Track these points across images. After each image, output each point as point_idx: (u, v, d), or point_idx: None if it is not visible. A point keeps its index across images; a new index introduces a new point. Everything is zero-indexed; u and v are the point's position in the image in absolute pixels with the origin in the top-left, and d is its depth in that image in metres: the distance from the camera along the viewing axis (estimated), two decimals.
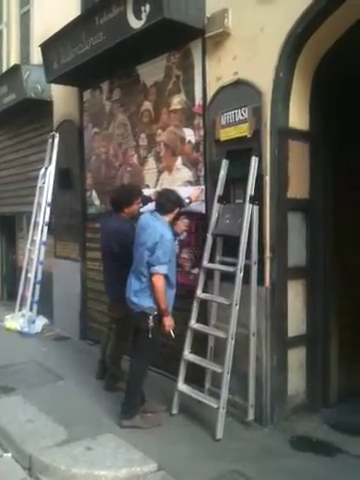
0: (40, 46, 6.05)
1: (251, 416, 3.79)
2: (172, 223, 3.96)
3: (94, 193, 6.04)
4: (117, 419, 3.82)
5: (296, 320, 3.96)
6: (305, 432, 3.70)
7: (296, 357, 3.98)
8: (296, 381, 3.98)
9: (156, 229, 3.67)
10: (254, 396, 3.78)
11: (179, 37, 4.44)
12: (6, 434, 3.75)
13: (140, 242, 3.73)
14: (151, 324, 3.63)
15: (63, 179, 6.56)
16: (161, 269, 3.61)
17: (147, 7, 4.25)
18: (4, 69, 8.07)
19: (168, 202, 3.83)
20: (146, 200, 4.58)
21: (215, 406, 3.66)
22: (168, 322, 3.69)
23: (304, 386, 4.04)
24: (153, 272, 3.61)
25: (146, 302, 3.67)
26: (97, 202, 6.00)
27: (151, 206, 4.40)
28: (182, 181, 4.61)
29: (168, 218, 3.82)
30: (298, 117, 3.87)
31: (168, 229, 3.75)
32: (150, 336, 3.64)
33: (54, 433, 3.68)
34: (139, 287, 3.72)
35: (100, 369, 4.73)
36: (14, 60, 7.93)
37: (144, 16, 4.30)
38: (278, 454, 3.39)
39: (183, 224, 4.32)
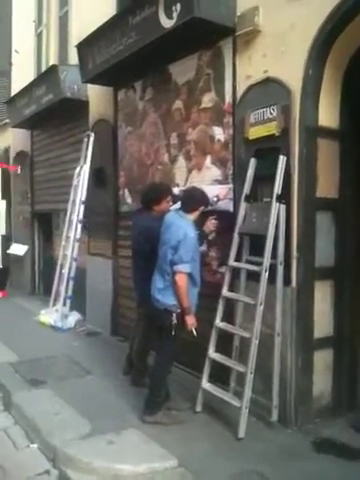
0: (76, 46, 6.16)
1: (275, 417, 3.76)
2: (198, 221, 3.96)
3: (126, 191, 6.11)
4: (141, 414, 3.86)
5: (323, 321, 3.90)
6: (329, 435, 3.64)
7: (322, 359, 3.92)
8: (322, 383, 3.91)
9: (180, 227, 3.69)
10: (278, 397, 3.76)
11: (210, 36, 4.45)
12: (33, 425, 3.86)
13: (164, 240, 3.76)
14: (174, 321, 3.65)
15: (97, 178, 6.67)
16: (184, 268, 3.63)
17: (178, 6, 4.27)
18: (43, 69, 8.26)
19: (192, 200, 3.85)
20: (177, 199, 4.60)
21: (238, 405, 3.65)
22: (190, 321, 3.70)
23: (330, 388, 3.97)
24: (176, 270, 3.63)
25: (169, 300, 3.69)
26: (129, 200, 6.07)
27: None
28: (211, 179, 4.62)
29: (193, 216, 3.83)
30: (328, 115, 3.81)
31: (192, 227, 3.76)
32: (173, 333, 3.67)
33: (79, 426, 3.76)
34: (163, 285, 3.75)
35: (127, 364, 4.78)
36: (53, 61, 8.12)
37: (175, 15, 4.33)
38: (300, 456, 3.36)
39: (212, 224, 4.29)
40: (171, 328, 3.66)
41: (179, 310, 3.67)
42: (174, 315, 3.66)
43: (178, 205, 4.11)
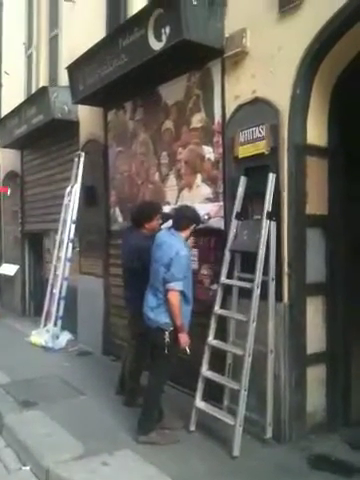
0: (67, 68, 6.24)
1: (269, 434, 3.75)
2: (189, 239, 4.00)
3: (117, 210, 6.14)
4: (134, 435, 3.83)
5: (315, 337, 3.92)
6: (324, 451, 3.63)
7: (315, 375, 3.93)
8: (315, 399, 3.92)
9: (172, 245, 3.71)
10: (272, 414, 3.75)
11: (199, 57, 4.53)
12: (25, 447, 3.80)
13: (156, 258, 3.78)
14: (167, 340, 3.65)
15: (88, 197, 6.70)
16: (177, 285, 3.64)
17: (167, 29, 4.35)
18: (34, 90, 8.33)
19: (184, 218, 3.88)
20: (166, 217, 4.64)
21: (232, 423, 3.63)
22: (184, 339, 3.70)
23: (324, 404, 3.98)
24: (169, 288, 3.64)
25: (162, 318, 3.69)
26: (120, 219, 6.10)
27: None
28: (202, 198, 4.66)
29: (184, 234, 3.86)
30: (316, 134, 3.89)
31: (184, 245, 3.79)
32: (166, 352, 3.66)
33: (72, 447, 3.71)
34: (156, 303, 3.75)
35: (119, 384, 4.75)
36: (43, 82, 8.19)
37: (164, 38, 4.41)
38: (295, 473, 3.34)
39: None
40: (164, 346, 3.66)
41: (172, 328, 3.67)
42: (167, 333, 3.66)
43: (170, 223, 4.15)
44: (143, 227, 4.42)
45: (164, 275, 3.66)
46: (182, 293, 3.70)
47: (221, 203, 4.42)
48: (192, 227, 3.91)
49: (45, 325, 7.15)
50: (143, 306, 3.86)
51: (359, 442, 3.75)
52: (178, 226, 3.85)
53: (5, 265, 9.80)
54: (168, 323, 3.67)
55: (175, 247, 3.69)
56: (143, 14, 4.68)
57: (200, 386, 4.01)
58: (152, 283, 3.81)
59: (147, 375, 4.07)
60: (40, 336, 6.89)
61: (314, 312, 3.92)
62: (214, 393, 4.11)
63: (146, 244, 4.18)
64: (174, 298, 3.64)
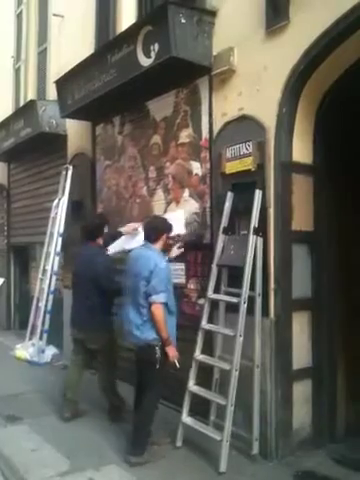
0: (55, 82, 6.26)
1: (256, 450, 3.75)
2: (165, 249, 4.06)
3: None
4: (121, 450, 3.80)
5: (301, 352, 3.94)
6: (310, 467, 3.64)
7: (302, 390, 3.95)
8: (302, 415, 3.93)
9: (149, 258, 3.74)
10: (259, 429, 3.75)
11: (187, 74, 4.59)
12: (10, 463, 3.77)
13: (134, 273, 3.76)
14: (158, 355, 3.64)
15: (75, 210, 6.69)
16: (159, 298, 3.65)
17: (156, 46, 4.40)
18: (21, 104, 8.34)
19: (155, 230, 3.91)
20: (112, 237, 4.84)
21: (218, 439, 3.63)
22: (172, 352, 3.69)
23: (310, 420, 3.99)
24: (151, 301, 3.64)
25: (149, 334, 3.68)
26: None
27: (120, 242, 4.80)
28: (189, 212, 4.69)
29: (158, 246, 3.88)
30: (302, 151, 3.95)
31: (161, 257, 3.82)
32: (158, 367, 3.65)
33: (57, 463, 3.69)
34: (140, 320, 3.72)
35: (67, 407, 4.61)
36: (31, 96, 8.20)
37: (153, 54, 4.46)
38: None
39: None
40: (155, 362, 3.65)
41: (160, 343, 3.66)
42: (157, 349, 3.65)
43: (120, 242, 4.48)
44: (97, 239, 4.57)
45: (145, 289, 3.66)
46: (165, 305, 3.70)
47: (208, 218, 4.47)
48: (164, 237, 3.93)
49: (30, 339, 7.08)
50: (126, 324, 3.82)
51: (345, 458, 3.77)
52: (151, 238, 3.88)
53: None
54: (156, 338, 3.67)
55: (153, 259, 3.71)
56: (132, 31, 4.73)
57: (187, 401, 4.00)
58: (134, 300, 3.77)
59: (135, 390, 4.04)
60: (25, 350, 6.82)
61: (300, 327, 3.95)
62: (201, 408, 4.09)
63: (103, 255, 4.41)
64: (158, 311, 3.64)
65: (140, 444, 3.74)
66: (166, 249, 4.15)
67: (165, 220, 4.07)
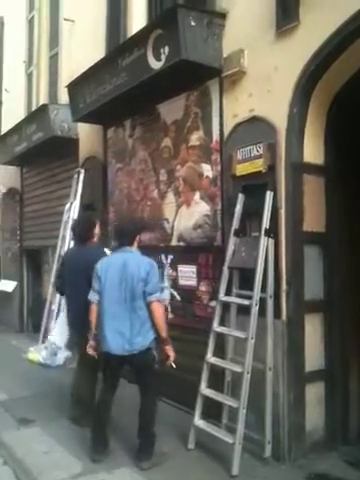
0: (67, 87, 6.31)
1: (268, 452, 3.73)
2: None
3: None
4: (133, 452, 3.79)
5: (314, 354, 3.92)
6: (323, 469, 3.61)
7: (314, 392, 3.92)
8: (314, 417, 3.90)
9: (141, 260, 3.79)
10: (271, 432, 3.73)
11: (197, 77, 4.60)
12: (23, 466, 3.78)
13: (127, 277, 3.69)
14: (155, 355, 3.69)
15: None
16: (158, 297, 3.72)
17: (166, 49, 4.42)
18: (34, 108, 8.41)
19: (127, 233, 3.92)
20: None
21: (231, 441, 3.62)
22: (171, 352, 3.70)
23: (323, 422, 3.96)
24: (151, 300, 3.66)
25: (149, 336, 3.70)
26: None
27: None
28: (200, 215, 4.69)
29: (135, 247, 3.90)
30: (313, 152, 3.93)
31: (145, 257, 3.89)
32: (156, 367, 3.70)
33: (70, 465, 3.70)
34: (140, 323, 3.67)
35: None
36: (43, 100, 8.26)
37: (163, 57, 4.47)
38: None
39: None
40: (153, 364, 3.70)
41: (156, 344, 3.71)
42: (154, 351, 3.69)
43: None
44: (90, 241, 4.57)
45: (144, 288, 3.66)
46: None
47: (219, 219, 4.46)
48: (138, 237, 3.94)
49: (43, 342, 7.10)
50: (123, 334, 3.68)
51: (358, 460, 3.74)
52: (128, 242, 3.87)
53: (3, 281, 9.78)
54: (154, 339, 3.71)
55: (146, 260, 3.78)
56: (142, 34, 4.75)
57: (199, 404, 3.99)
58: (130, 305, 3.68)
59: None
60: (38, 353, 6.83)
61: (312, 329, 3.93)
62: (213, 411, 4.08)
63: (102, 254, 4.29)
64: (159, 309, 3.69)
65: (149, 448, 3.74)
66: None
67: (134, 220, 4.08)
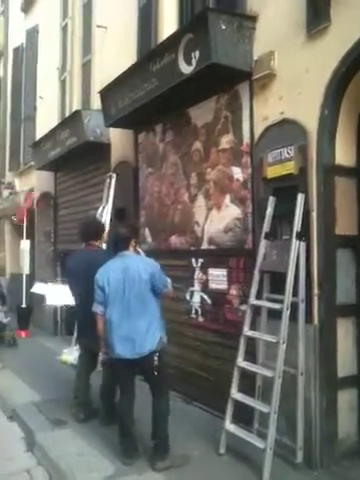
0: (99, 92, 6.40)
1: (300, 458, 3.69)
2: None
3: (147, 230, 6.21)
4: (151, 463, 3.78)
5: (346, 360, 3.85)
6: (356, 477, 3.55)
7: (347, 399, 3.85)
8: (347, 424, 3.83)
9: (144, 261, 3.93)
10: (303, 438, 3.69)
11: (227, 80, 4.60)
12: (57, 467, 3.85)
13: (134, 279, 3.74)
14: (156, 361, 3.77)
15: (119, 217, 6.79)
16: (170, 285, 3.94)
17: (197, 53, 4.43)
18: (67, 114, 8.56)
19: (125, 237, 3.97)
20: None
21: (262, 447, 3.59)
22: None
23: (356, 429, 3.89)
24: (165, 292, 3.89)
25: (157, 334, 3.78)
26: (149, 239, 6.16)
27: None
28: (231, 218, 4.68)
29: (132, 250, 3.98)
30: (345, 154, 3.87)
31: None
32: (163, 360, 3.81)
33: (102, 467, 3.75)
34: (146, 323, 3.73)
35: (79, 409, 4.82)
36: (76, 106, 8.41)
37: (194, 62, 4.48)
38: None
39: None
40: (164, 365, 3.83)
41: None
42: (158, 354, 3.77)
43: None
44: (94, 242, 4.75)
45: (156, 285, 3.77)
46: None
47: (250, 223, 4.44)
48: (133, 242, 3.99)
49: (76, 344, 7.19)
50: (132, 337, 3.71)
51: None
52: (125, 245, 3.94)
53: (38, 284, 9.94)
54: (162, 336, 3.81)
55: (147, 260, 3.94)
56: (173, 39, 4.79)
57: (229, 408, 3.98)
58: (134, 310, 3.74)
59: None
60: (70, 355, 6.94)
61: (345, 334, 3.86)
62: (244, 415, 4.06)
63: (106, 255, 4.28)
64: (170, 293, 4.04)
65: (162, 448, 3.78)
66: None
67: (129, 227, 4.15)
